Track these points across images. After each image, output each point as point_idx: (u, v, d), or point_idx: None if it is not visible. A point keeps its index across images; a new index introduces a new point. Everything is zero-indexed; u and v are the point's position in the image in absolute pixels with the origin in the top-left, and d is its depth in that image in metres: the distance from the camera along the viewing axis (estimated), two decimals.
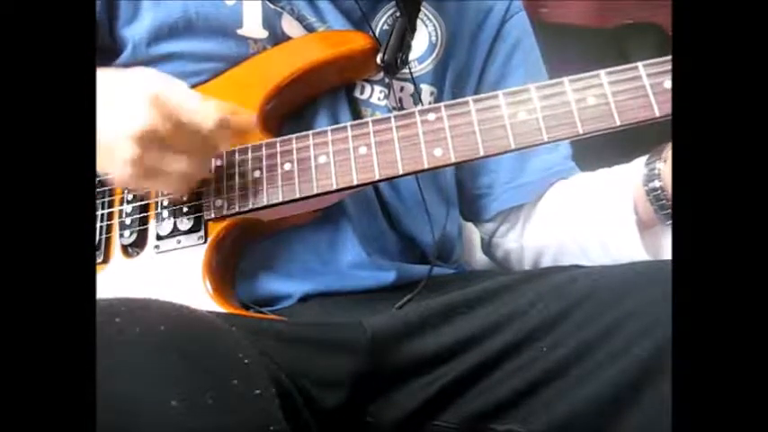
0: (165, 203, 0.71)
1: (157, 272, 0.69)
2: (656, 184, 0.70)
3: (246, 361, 0.48)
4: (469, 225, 0.97)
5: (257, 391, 0.46)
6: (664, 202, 0.70)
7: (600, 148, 0.82)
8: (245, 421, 0.44)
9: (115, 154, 0.61)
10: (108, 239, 0.71)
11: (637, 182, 0.72)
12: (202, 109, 0.63)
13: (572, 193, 0.83)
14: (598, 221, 0.77)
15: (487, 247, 0.92)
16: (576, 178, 0.85)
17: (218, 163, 0.70)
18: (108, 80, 0.64)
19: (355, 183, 0.67)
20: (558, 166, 0.85)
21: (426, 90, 0.82)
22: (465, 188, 0.88)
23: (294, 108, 0.77)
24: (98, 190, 0.73)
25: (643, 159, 0.73)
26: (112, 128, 0.61)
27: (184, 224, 0.69)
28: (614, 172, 0.78)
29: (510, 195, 0.85)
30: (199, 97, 0.64)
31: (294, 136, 0.69)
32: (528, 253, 0.85)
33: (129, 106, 0.61)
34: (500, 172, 0.85)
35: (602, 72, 0.63)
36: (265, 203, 0.68)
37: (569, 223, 0.80)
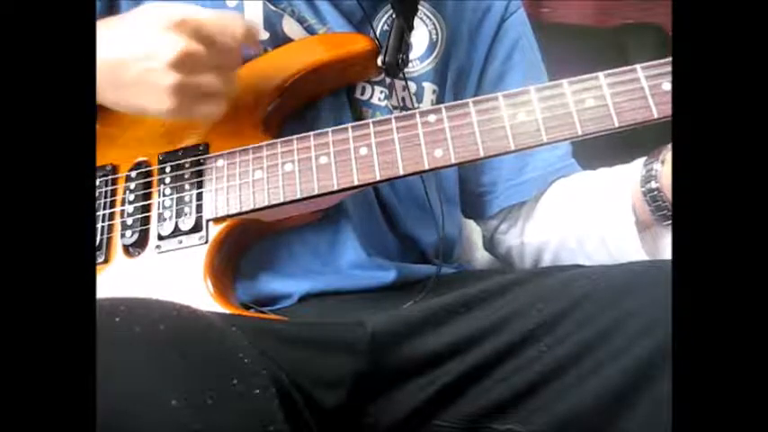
0: (167, 203, 0.71)
1: (159, 272, 0.69)
2: (653, 185, 0.70)
3: (246, 361, 0.48)
4: (469, 224, 0.97)
5: (257, 391, 0.46)
6: (660, 203, 0.70)
7: (600, 148, 0.83)
8: (245, 421, 0.44)
9: (156, 87, 0.61)
10: (109, 239, 0.71)
11: (635, 182, 0.72)
12: (225, 21, 0.64)
13: (573, 191, 0.83)
14: (598, 220, 0.77)
15: (489, 243, 0.92)
16: (576, 176, 0.85)
17: (220, 163, 0.70)
18: (123, 20, 0.64)
19: (356, 183, 0.67)
20: (559, 163, 0.85)
21: (428, 88, 0.82)
22: (467, 186, 0.88)
23: (295, 109, 0.77)
24: (100, 189, 0.73)
25: (642, 160, 0.73)
26: (145, 62, 0.61)
27: (186, 224, 0.69)
28: (614, 172, 0.79)
29: (512, 193, 0.85)
30: (217, 12, 0.65)
31: (295, 137, 0.70)
32: (529, 249, 0.85)
33: (155, 37, 0.61)
34: (502, 170, 0.86)
35: (600, 74, 0.63)
36: (267, 204, 0.68)
37: (570, 220, 0.81)
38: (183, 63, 0.61)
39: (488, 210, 0.88)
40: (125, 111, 0.67)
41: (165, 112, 0.64)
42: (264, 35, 0.77)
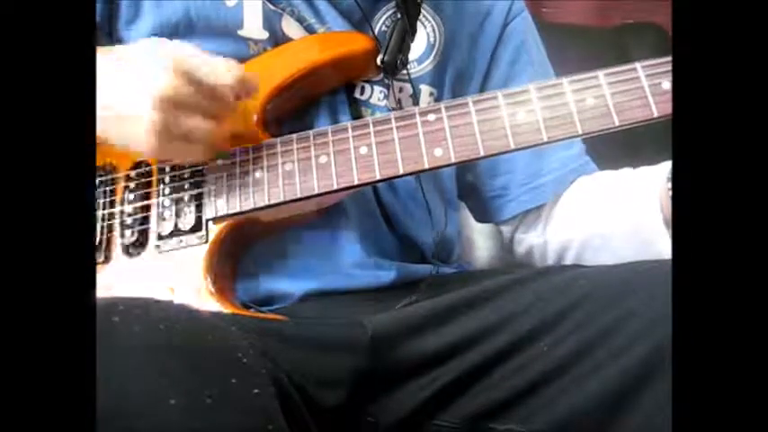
0: (167, 203, 0.71)
1: (159, 271, 0.69)
2: None
3: (245, 360, 0.48)
4: (470, 225, 0.97)
5: (256, 391, 0.46)
6: None
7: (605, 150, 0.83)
8: (244, 420, 0.44)
9: (141, 124, 0.60)
10: (109, 239, 0.71)
11: (662, 181, 0.72)
12: (219, 67, 0.63)
13: (597, 189, 0.82)
14: (626, 216, 0.76)
15: (509, 243, 0.91)
16: (598, 175, 0.84)
17: (220, 162, 0.70)
18: (118, 53, 0.63)
19: (356, 182, 0.67)
20: (574, 162, 0.85)
21: (426, 91, 0.82)
22: (476, 191, 0.88)
23: (295, 109, 0.77)
24: (100, 189, 0.73)
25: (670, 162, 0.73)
26: (134, 98, 0.60)
27: (186, 224, 0.69)
28: (640, 171, 0.78)
29: (529, 196, 0.85)
30: (212, 57, 0.64)
31: (295, 136, 0.69)
32: (552, 247, 0.84)
33: (147, 74, 0.61)
34: (515, 173, 0.85)
35: (600, 73, 0.63)
36: (267, 203, 0.68)
37: (595, 218, 0.80)
38: (170, 105, 0.60)
39: (501, 214, 0.87)
40: (111, 143, 0.64)
41: (145, 151, 0.63)
42: (264, 34, 0.77)
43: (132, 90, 0.61)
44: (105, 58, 0.63)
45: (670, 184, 0.70)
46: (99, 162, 0.74)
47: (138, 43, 0.66)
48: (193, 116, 0.62)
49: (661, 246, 0.72)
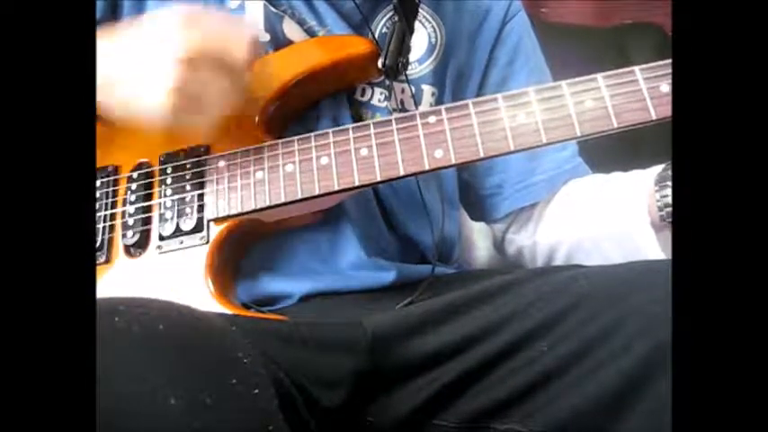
0: (169, 204, 0.71)
1: (160, 272, 0.69)
2: (666, 192, 0.70)
3: (245, 360, 0.48)
4: (469, 225, 0.97)
5: (256, 391, 0.46)
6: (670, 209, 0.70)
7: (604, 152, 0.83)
8: (244, 420, 0.44)
9: (156, 85, 0.59)
10: (111, 240, 0.71)
11: (650, 186, 0.73)
12: (234, 27, 0.63)
13: (587, 192, 0.83)
14: (614, 220, 0.77)
15: (500, 243, 0.92)
16: (590, 178, 0.85)
17: (221, 164, 0.71)
18: (133, 22, 0.63)
19: (357, 184, 0.67)
20: (567, 164, 0.86)
21: (427, 91, 0.82)
22: (472, 189, 0.88)
23: (296, 111, 0.77)
24: (102, 190, 0.73)
25: (661, 166, 0.73)
26: (149, 60, 0.60)
27: (187, 224, 0.70)
28: (630, 175, 0.79)
29: (522, 195, 0.86)
30: (226, 17, 0.64)
31: (296, 138, 0.70)
32: (541, 249, 0.85)
33: (161, 35, 0.60)
34: (509, 172, 0.86)
35: (599, 76, 0.64)
36: (268, 204, 0.68)
37: (585, 221, 0.81)
38: (187, 64, 0.59)
39: (496, 212, 0.88)
40: (121, 115, 0.64)
41: (157, 112, 0.61)
42: (265, 37, 0.77)
43: (149, 54, 0.60)
44: (113, 32, 0.64)
45: (657, 188, 0.71)
46: (101, 163, 0.74)
47: (146, 14, 0.66)
48: (210, 76, 0.61)
49: (648, 250, 0.72)
